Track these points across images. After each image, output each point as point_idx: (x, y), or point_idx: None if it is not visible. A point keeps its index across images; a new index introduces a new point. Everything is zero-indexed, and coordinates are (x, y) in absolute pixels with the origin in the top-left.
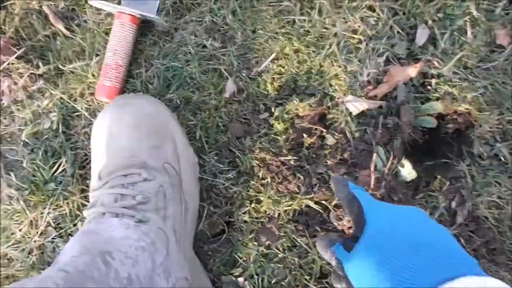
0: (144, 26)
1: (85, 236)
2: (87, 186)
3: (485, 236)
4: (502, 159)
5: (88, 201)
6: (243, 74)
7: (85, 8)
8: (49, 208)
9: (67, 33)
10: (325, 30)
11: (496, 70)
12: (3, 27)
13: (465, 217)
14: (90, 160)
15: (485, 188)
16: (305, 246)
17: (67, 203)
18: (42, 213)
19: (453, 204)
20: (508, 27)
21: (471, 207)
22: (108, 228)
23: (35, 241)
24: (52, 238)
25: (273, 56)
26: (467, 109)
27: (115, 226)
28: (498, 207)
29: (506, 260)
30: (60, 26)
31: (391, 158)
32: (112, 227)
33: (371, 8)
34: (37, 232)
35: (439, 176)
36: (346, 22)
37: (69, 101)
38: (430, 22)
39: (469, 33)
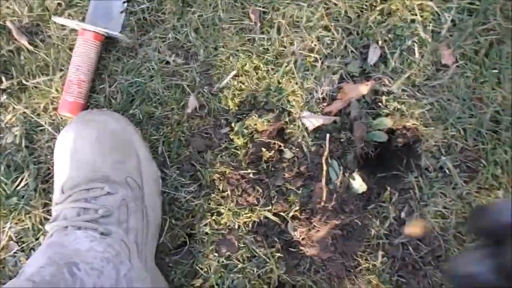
0: (108, 42)
1: (51, 248)
2: (50, 200)
3: (431, 244)
4: (447, 171)
5: (50, 216)
6: (205, 90)
7: (49, 24)
8: (11, 223)
9: (31, 48)
10: (283, 49)
11: (441, 87)
12: None
13: None
14: (53, 175)
15: (431, 198)
16: (263, 256)
17: (29, 217)
18: (4, 228)
19: (402, 214)
20: (452, 48)
21: (419, 217)
22: (73, 240)
23: None
24: (14, 253)
25: (234, 72)
26: (415, 124)
27: (80, 238)
28: (443, 217)
29: None
30: (23, 41)
31: (341, 172)
32: (77, 239)
33: (326, 28)
34: None
35: (389, 188)
36: (303, 41)
37: (32, 115)
38: (381, 42)
39: (417, 53)
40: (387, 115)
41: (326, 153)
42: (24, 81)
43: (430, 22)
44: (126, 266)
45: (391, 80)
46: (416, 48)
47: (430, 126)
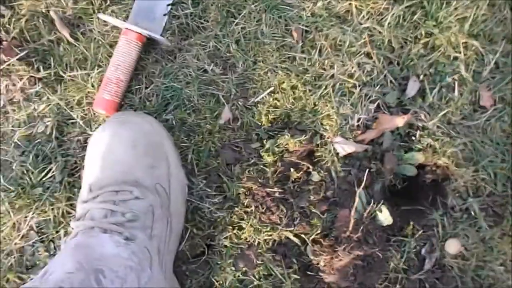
0: (148, 43)
1: (78, 250)
2: (74, 194)
3: (449, 284)
4: (473, 213)
5: (73, 209)
6: (240, 103)
7: (92, 18)
8: (33, 213)
9: (71, 40)
10: (322, 71)
11: (477, 129)
12: (7, 26)
13: (433, 264)
14: (79, 169)
15: (454, 238)
16: (280, 276)
17: (52, 209)
18: (26, 217)
19: (423, 251)
20: (492, 90)
21: (439, 255)
22: (100, 244)
23: (15, 244)
24: (33, 242)
25: (270, 89)
26: (446, 162)
27: (106, 242)
28: (463, 258)
29: None
30: (65, 33)
31: (371, 203)
32: (103, 243)
33: (368, 55)
34: (19, 235)
35: (413, 223)
36: (344, 66)
37: (65, 108)
38: (421, 75)
39: (456, 91)
40: (419, 150)
41: (362, 185)
42: (61, 73)
43: (473, 62)
44: (147, 274)
45: (427, 115)
46: (456, 86)
47: (461, 166)
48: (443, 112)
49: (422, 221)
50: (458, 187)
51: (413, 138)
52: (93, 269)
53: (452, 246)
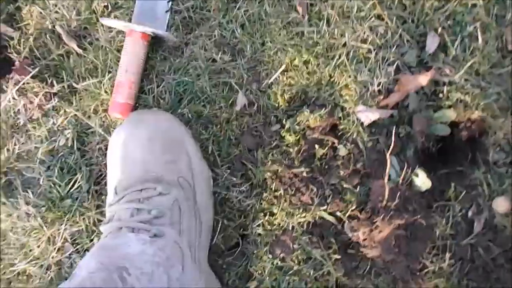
0: (154, 42)
1: (102, 251)
2: (103, 202)
3: (504, 245)
4: None
5: (104, 217)
6: (253, 87)
7: (96, 27)
8: (65, 224)
9: (80, 51)
10: (334, 41)
11: (508, 75)
12: (18, 47)
13: (483, 226)
14: (105, 176)
15: (502, 195)
16: (320, 258)
17: (83, 219)
18: (59, 230)
19: (470, 213)
20: None
21: (489, 216)
22: (125, 243)
23: (52, 257)
24: (70, 254)
25: (282, 68)
26: (481, 116)
27: (131, 241)
28: None
29: None
30: (73, 45)
31: (405, 168)
32: (128, 242)
33: (379, 17)
34: (55, 248)
35: (454, 185)
36: (355, 32)
37: (83, 118)
38: (440, 29)
39: (480, 39)
40: (449, 107)
41: (391, 147)
42: (74, 84)
43: (493, 6)
44: (178, 270)
45: (452, 69)
46: (479, 34)
47: (498, 117)
48: (469, 64)
49: (464, 182)
50: (499, 140)
51: (441, 95)
52: (116, 268)
53: (501, 204)
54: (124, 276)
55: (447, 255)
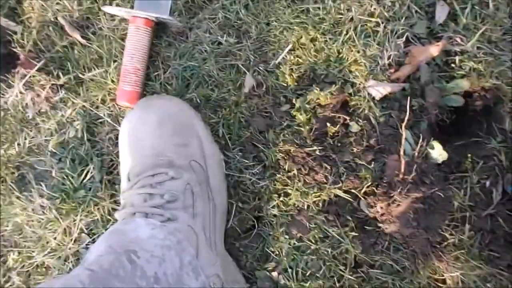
0: (158, 28)
1: (111, 236)
2: (116, 191)
3: None
4: None
5: (118, 205)
6: (260, 68)
7: (99, 16)
8: (81, 215)
9: (84, 42)
10: (340, 16)
11: None
12: (21, 41)
13: (501, 196)
14: (117, 165)
15: None
16: (337, 236)
17: (98, 208)
18: (74, 220)
19: (488, 184)
20: None
21: (507, 185)
22: (134, 228)
23: (70, 248)
24: (86, 244)
25: (289, 47)
26: (495, 84)
27: (141, 226)
28: None
29: None
30: (76, 36)
31: (420, 141)
32: (138, 227)
33: None
34: (71, 239)
35: (471, 156)
36: (362, 6)
37: (91, 108)
38: None
39: (490, 5)
40: (462, 76)
41: (406, 119)
42: (80, 75)
43: None
44: (190, 253)
45: (463, 38)
46: (489, 0)
47: None
48: (480, 31)
49: (480, 152)
50: None
51: (453, 65)
52: (124, 251)
53: None
54: (133, 258)
55: (467, 226)
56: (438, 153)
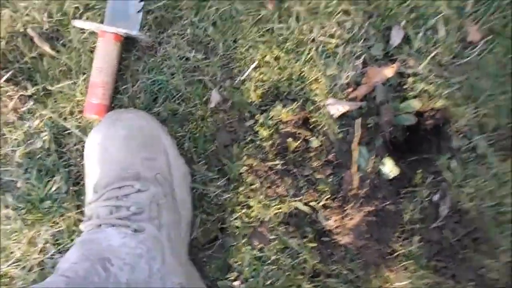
0: (128, 42)
1: (84, 245)
2: (82, 202)
3: (468, 226)
4: (480, 151)
5: (84, 217)
6: (227, 84)
7: (69, 28)
8: (46, 226)
9: (53, 53)
10: (303, 37)
11: (470, 65)
12: None
13: (448, 209)
14: (83, 177)
15: (465, 180)
16: (296, 247)
17: (64, 219)
18: (39, 231)
19: (436, 198)
20: (479, 24)
21: (454, 199)
22: (106, 237)
23: (34, 259)
24: (51, 255)
25: (254, 64)
26: (444, 105)
27: (112, 235)
28: (480, 198)
29: (490, 248)
30: (45, 47)
31: (372, 157)
32: (109, 236)
33: (346, 12)
34: (36, 250)
35: (421, 171)
36: (323, 27)
37: (59, 120)
38: (404, 22)
39: (441, 31)
40: (414, 97)
41: (357, 138)
42: (48, 87)
43: None
44: (158, 261)
45: (416, 61)
46: (440, 26)
47: (460, 105)
48: (432, 55)
49: (430, 168)
50: (461, 128)
51: (406, 86)
52: (98, 258)
53: None
54: (107, 266)
55: (416, 238)
56: (389, 169)
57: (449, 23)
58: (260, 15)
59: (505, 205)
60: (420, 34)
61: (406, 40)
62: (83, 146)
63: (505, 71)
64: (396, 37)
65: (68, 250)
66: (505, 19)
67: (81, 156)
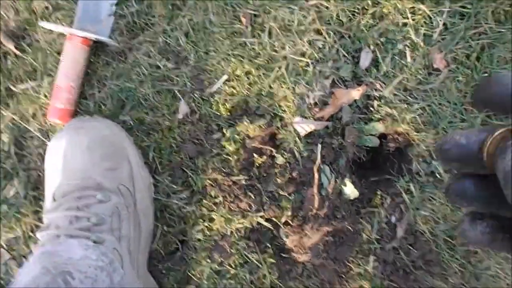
0: (97, 46)
1: (44, 257)
2: (41, 208)
3: (422, 249)
4: (438, 176)
5: (41, 223)
6: (196, 95)
7: (36, 28)
8: (1, 231)
9: (18, 53)
10: (274, 53)
11: (433, 92)
12: None
13: (404, 231)
14: (43, 181)
15: (422, 202)
16: (256, 262)
17: (20, 225)
18: None
19: (393, 219)
20: (444, 52)
21: (410, 221)
22: (67, 249)
23: None
24: (6, 261)
25: (225, 77)
26: (406, 129)
27: (73, 246)
28: (434, 221)
29: (441, 270)
30: (10, 46)
31: (332, 178)
32: (70, 248)
33: (318, 32)
34: None
35: (381, 192)
36: (295, 45)
37: (21, 122)
38: (373, 46)
39: (408, 57)
40: (379, 120)
41: (317, 162)
42: (11, 87)
43: (422, 26)
44: (119, 273)
45: (383, 84)
46: (408, 52)
47: (422, 131)
48: (397, 80)
49: (390, 190)
50: (421, 152)
51: (372, 108)
52: (59, 272)
53: None
54: (68, 279)
55: (371, 258)
56: (350, 190)
57: (416, 49)
58: (234, 28)
59: (457, 229)
60: (388, 58)
61: (375, 63)
62: (44, 150)
63: (466, 100)
64: (365, 59)
65: (23, 256)
66: (469, 50)
67: (42, 160)
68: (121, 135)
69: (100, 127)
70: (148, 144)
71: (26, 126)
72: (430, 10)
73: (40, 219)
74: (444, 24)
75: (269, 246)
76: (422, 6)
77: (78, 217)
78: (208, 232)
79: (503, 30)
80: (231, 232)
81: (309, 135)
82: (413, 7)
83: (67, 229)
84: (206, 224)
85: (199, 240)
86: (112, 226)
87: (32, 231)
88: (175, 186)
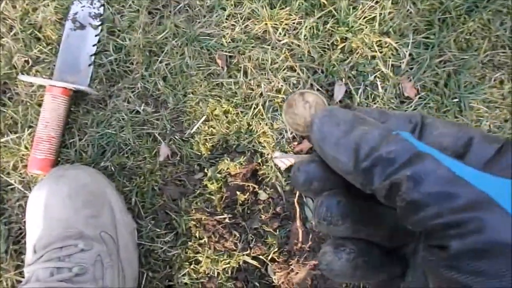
0: (77, 95)
1: None
2: (22, 262)
3: None
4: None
5: (23, 277)
6: (176, 137)
7: (17, 81)
8: None
9: None
10: (251, 91)
11: None
12: None
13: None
14: (24, 234)
15: None
16: None
17: (1, 281)
18: None
19: None
20: (413, 80)
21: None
22: None
23: None
24: None
25: (204, 118)
26: None
27: None
28: None
29: None
30: None
31: None
32: None
33: (292, 69)
34: None
35: None
36: (270, 83)
37: (1, 175)
38: (345, 79)
39: (380, 87)
40: None
41: (297, 195)
42: None
43: (389, 57)
44: None
45: None
46: (379, 83)
47: None
48: None
49: None
50: None
51: None
52: None
53: None
54: None
55: None
56: None
57: (387, 79)
58: (210, 70)
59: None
60: (361, 90)
61: (348, 94)
62: (26, 202)
63: None
64: (338, 92)
65: None
66: (436, 77)
67: (24, 212)
68: (102, 182)
69: (80, 175)
70: (130, 189)
71: (7, 179)
72: (396, 42)
73: (21, 274)
74: (410, 54)
75: (258, 285)
76: (388, 39)
77: (59, 268)
78: (194, 275)
79: (466, 57)
80: (218, 273)
81: (290, 168)
82: (379, 40)
83: (48, 282)
84: (192, 267)
85: (185, 284)
86: (95, 275)
87: (13, 287)
88: (158, 230)
